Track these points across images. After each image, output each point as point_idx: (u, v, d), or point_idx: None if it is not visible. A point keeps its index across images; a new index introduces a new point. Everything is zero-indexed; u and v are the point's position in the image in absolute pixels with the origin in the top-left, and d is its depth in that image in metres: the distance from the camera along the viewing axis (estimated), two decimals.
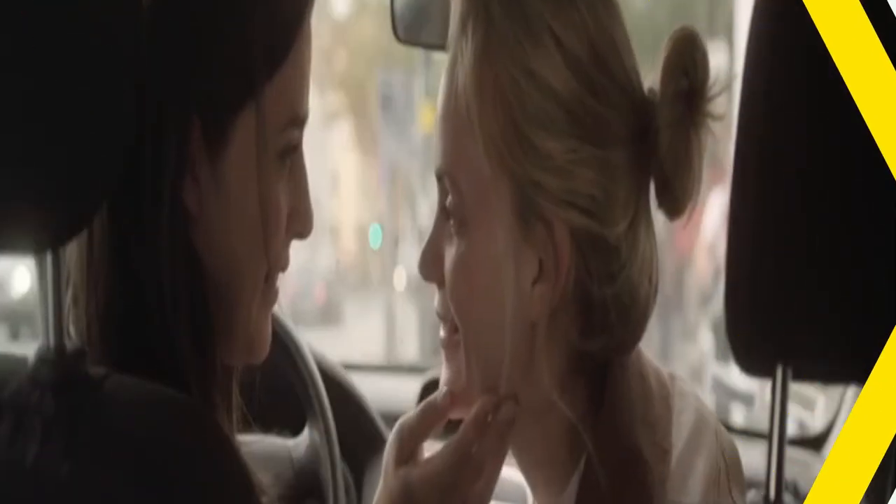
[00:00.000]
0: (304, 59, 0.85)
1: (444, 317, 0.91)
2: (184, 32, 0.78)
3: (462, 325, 0.88)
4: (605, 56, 0.84)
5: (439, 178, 0.89)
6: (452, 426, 1.80)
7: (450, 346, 0.91)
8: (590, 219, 0.84)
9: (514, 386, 0.89)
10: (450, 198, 0.88)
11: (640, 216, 0.86)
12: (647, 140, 0.84)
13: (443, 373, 0.93)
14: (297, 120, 0.85)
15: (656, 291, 0.89)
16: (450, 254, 0.89)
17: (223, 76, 0.80)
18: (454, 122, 0.86)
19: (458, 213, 0.87)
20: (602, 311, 0.85)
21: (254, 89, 0.81)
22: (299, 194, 0.87)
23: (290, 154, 0.85)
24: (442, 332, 0.92)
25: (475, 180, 0.86)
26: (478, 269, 0.86)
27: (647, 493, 0.83)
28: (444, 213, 0.90)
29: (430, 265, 0.91)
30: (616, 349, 0.88)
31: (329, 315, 13.88)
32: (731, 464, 0.89)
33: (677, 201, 0.85)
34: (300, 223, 0.88)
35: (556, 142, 0.83)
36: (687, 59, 0.82)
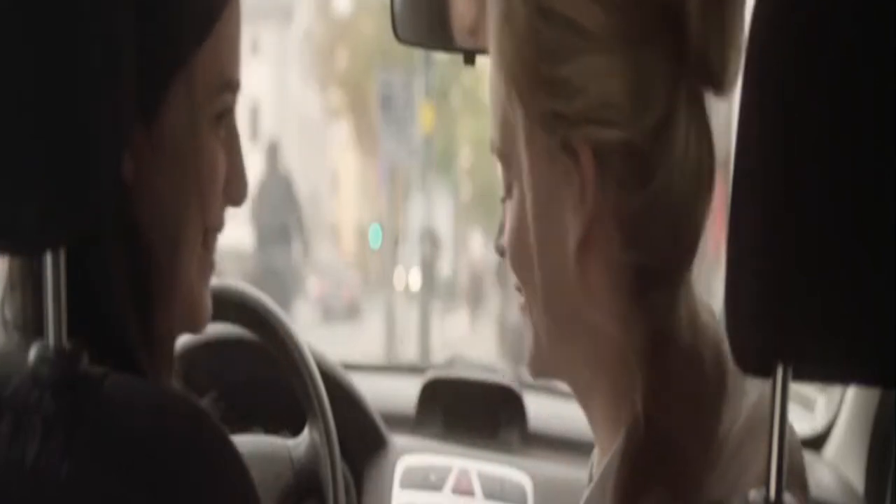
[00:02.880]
0: (234, 23, 0.87)
1: (516, 286, 0.91)
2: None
3: (522, 284, 0.89)
4: None
5: (495, 154, 0.90)
6: (452, 425, 1.80)
7: (523, 311, 0.92)
8: (610, 127, 0.82)
9: (569, 317, 0.87)
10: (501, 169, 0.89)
11: (675, 115, 0.82)
12: (676, 19, 0.81)
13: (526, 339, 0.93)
14: (230, 84, 0.86)
15: (709, 199, 0.84)
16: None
17: (154, 43, 0.79)
18: (494, 89, 0.87)
19: (506, 179, 0.89)
20: (637, 222, 0.83)
21: (184, 55, 0.81)
22: (233, 159, 0.88)
23: (225, 118, 0.86)
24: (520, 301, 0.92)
25: (511, 139, 0.86)
26: (522, 222, 0.87)
27: (690, 462, 0.81)
28: (505, 188, 0.91)
29: (498, 239, 0.92)
30: (663, 267, 0.84)
31: (353, 311, 15.16)
32: (793, 465, 0.85)
33: (718, 73, 0.81)
34: (235, 188, 0.88)
35: (570, 65, 0.82)
36: None
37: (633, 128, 0.82)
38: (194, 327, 0.88)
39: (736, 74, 0.82)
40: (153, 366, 0.81)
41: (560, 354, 0.90)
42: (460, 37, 1.08)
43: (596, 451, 0.94)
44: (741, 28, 0.81)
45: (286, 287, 8.55)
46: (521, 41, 0.84)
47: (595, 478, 0.89)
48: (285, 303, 8.36)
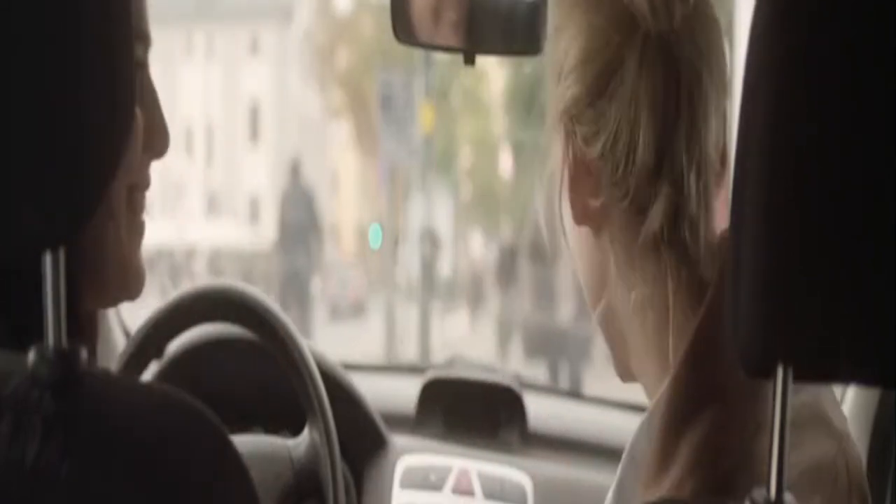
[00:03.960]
0: None
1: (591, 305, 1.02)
2: None
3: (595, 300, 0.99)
4: None
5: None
6: (452, 425, 1.80)
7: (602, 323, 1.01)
8: (568, 88, 0.94)
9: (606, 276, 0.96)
10: None
11: (625, 69, 0.91)
12: None
13: None
14: (140, 36, 0.86)
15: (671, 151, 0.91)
16: None
17: None
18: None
19: None
20: (601, 170, 0.93)
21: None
22: (152, 113, 0.86)
23: (138, 71, 0.84)
24: None
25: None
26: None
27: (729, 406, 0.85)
28: None
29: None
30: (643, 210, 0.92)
31: (358, 310, 15.89)
32: (854, 484, 0.87)
33: (663, 18, 0.90)
34: (156, 139, 0.86)
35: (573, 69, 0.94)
36: None
37: (582, 83, 0.92)
38: (130, 295, 0.85)
39: (683, 15, 0.90)
40: (81, 341, 0.78)
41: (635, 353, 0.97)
42: (440, 34, 1.10)
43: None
44: None
45: (305, 285, 9.75)
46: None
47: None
48: (304, 299, 9.60)
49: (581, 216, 0.95)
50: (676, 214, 0.91)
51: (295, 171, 10.22)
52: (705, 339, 0.87)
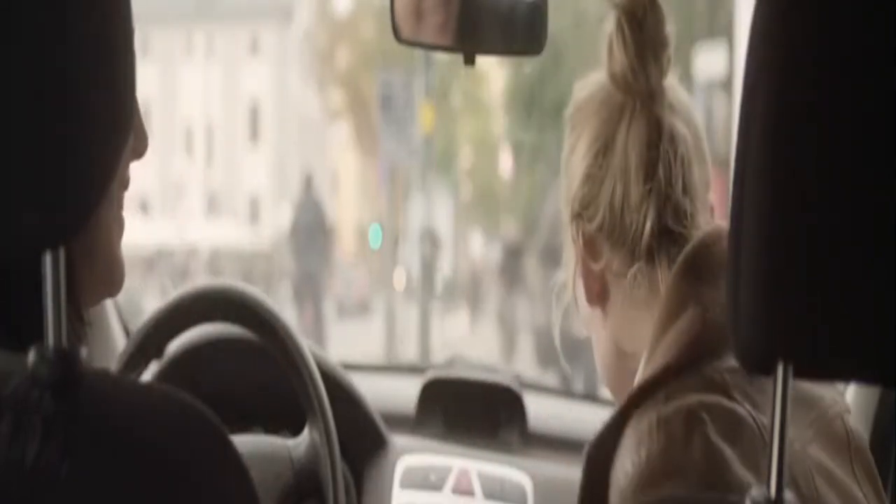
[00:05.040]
0: None
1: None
2: None
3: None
4: None
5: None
6: (452, 425, 1.80)
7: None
8: (579, 175, 1.05)
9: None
10: None
11: (616, 141, 1.02)
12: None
13: None
14: None
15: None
16: None
17: None
18: None
19: None
20: (601, 238, 1.05)
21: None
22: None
23: None
24: None
25: None
26: None
27: None
28: None
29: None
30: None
31: (363, 309, 16.60)
32: (856, 449, 0.96)
33: (643, 89, 1.01)
34: (137, 140, 0.86)
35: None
36: None
37: (584, 168, 1.03)
38: (114, 289, 0.86)
39: (659, 84, 1.01)
40: (76, 335, 0.78)
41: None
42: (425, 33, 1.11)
43: None
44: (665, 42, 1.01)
45: (318, 285, 10.80)
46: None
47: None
48: (317, 296, 10.64)
49: (591, 294, 1.05)
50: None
51: (308, 185, 11.19)
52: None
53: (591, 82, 1.06)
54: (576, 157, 1.04)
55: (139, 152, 0.87)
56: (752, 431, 0.88)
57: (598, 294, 1.05)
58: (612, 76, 1.02)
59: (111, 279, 0.85)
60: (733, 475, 0.85)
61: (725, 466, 0.85)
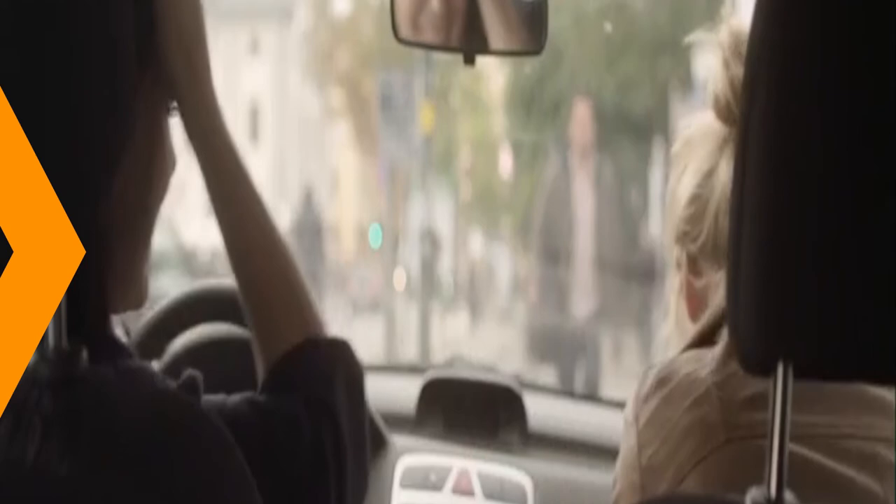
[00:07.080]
0: None
1: None
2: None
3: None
4: None
5: None
6: (452, 425, 1.80)
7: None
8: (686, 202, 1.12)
9: None
10: None
11: (720, 166, 1.07)
12: None
13: None
14: None
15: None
16: None
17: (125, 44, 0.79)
18: None
19: None
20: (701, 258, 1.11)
21: (153, 56, 0.83)
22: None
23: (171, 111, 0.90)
24: None
25: None
26: None
27: None
28: None
29: None
30: None
31: (375, 307, 16.54)
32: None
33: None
34: (166, 161, 0.92)
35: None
36: None
37: (690, 195, 1.09)
38: (139, 304, 0.91)
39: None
40: (104, 342, 0.80)
41: None
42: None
43: None
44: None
45: (320, 284, 11.99)
46: None
47: None
48: (320, 296, 11.29)
49: (694, 312, 1.10)
50: None
51: (308, 198, 12.29)
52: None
53: (695, 120, 1.12)
54: (682, 185, 1.10)
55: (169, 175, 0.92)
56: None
57: (701, 311, 1.09)
58: (718, 111, 1.06)
59: (139, 296, 0.89)
60: None
61: None
